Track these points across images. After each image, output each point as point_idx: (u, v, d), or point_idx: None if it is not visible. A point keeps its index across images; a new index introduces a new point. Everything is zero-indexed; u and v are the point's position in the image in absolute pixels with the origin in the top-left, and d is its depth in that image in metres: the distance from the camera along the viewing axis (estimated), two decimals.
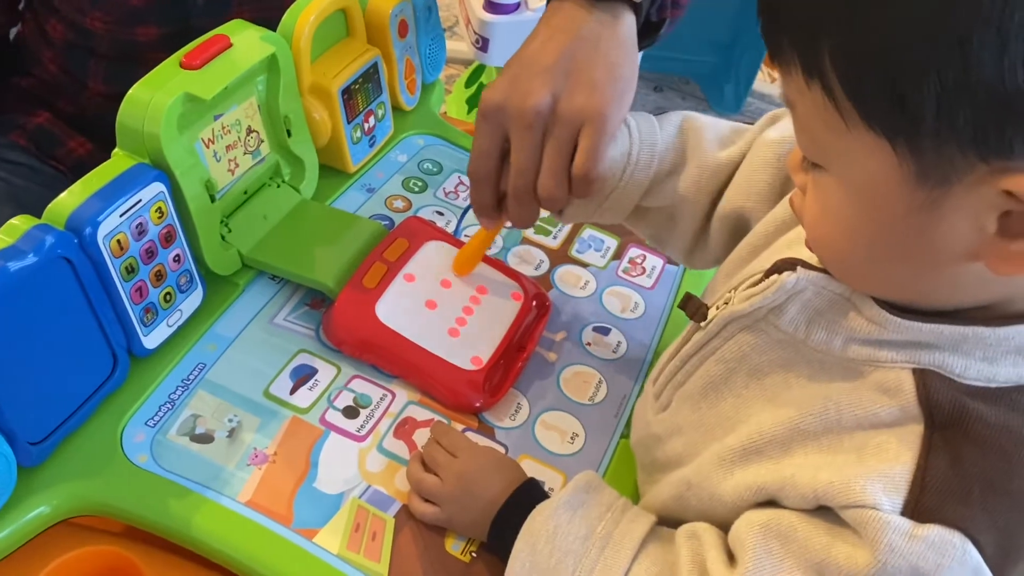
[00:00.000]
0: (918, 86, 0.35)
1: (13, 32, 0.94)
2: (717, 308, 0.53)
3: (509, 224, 0.65)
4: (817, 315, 0.47)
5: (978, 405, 0.42)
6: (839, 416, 0.45)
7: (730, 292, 0.53)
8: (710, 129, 0.63)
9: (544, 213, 0.64)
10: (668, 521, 0.54)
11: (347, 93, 0.77)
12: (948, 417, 0.42)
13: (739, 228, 0.61)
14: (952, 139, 0.36)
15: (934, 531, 0.40)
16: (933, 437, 0.42)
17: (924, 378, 0.43)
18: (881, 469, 0.42)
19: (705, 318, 0.54)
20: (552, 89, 0.58)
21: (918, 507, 0.41)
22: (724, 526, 0.50)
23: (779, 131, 0.61)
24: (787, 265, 0.48)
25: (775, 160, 0.59)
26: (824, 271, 0.46)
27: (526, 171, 0.60)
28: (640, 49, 0.65)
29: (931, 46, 0.34)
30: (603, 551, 0.50)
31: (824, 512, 0.44)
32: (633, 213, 0.66)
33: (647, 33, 0.67)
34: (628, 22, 0.62)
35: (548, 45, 0.60)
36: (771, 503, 0.47)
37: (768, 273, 0.49)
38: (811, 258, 0.48)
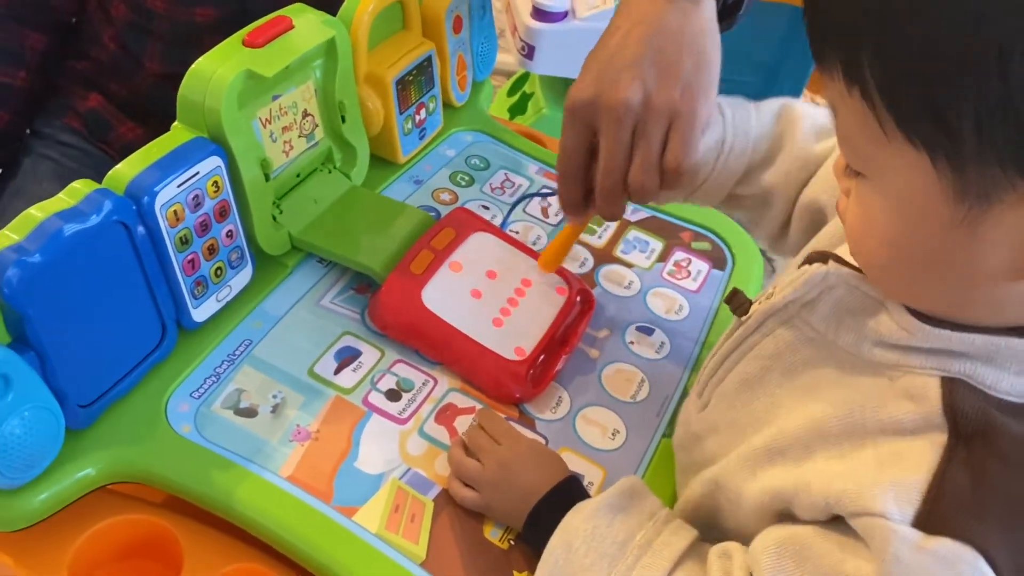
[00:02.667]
0: (957, 102, 0.34)
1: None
2: (759, 303, 0.53)
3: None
4: (848, 315, 0.46)
5: (1007, 420, 0.40)
6: (863, 419, 0.44)
7: (773, 288, 0.53)
8: (808, 119, 0.63)
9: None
10: (701, 521, 0.53)
11: (401, 84, 0.77)
12: (973, 428, 0.40)
13: (816, 220, 0.60)
14: (993, 158, 0.35)
15: (944, 544, 0.38)
16: (956, 448, 0.40)
17: (952, 386, 0.41)
18: (896, 478, 0.40)
19: (747, 312, 0.54)
20: (642, 82, 0.57)
21: (930, 518, 0.39)
22: (749, 529, 0.49)
23: None
24: (819, 257, 0.47)
25: None
26: (859, 269, 0.46)
27: (617, 167, 0.59)
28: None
29: (970, 60, 0.33)
30: (640, 559, 0.49)
31: (837, 524, 0.43)
32: (727, 199, 0.65)
33: (724, 16, 0.66)
34: (709, 6, 0.61)
35: (630, 37, 0.58)
36: (787, 516, 0.46)
37: (800, 265, 0.49)
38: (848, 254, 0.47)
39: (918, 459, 0.41)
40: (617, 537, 0.50)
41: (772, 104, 0.64)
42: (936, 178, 0.37)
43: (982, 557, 0.38)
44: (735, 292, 0.56)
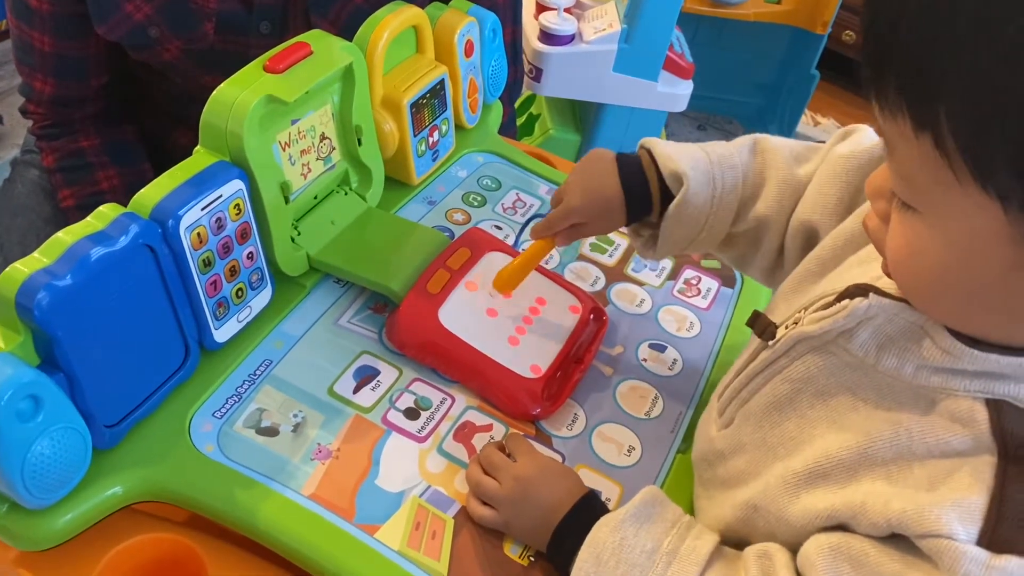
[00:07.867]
0: None
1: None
2: (786, 327, 0.53)
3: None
4: (889, 341, 0.46)
5: None
6: (910, 443, 0.44)
7: (800, 312, 0.52)
8: (785, 148, 0.64)
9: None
10: (731, 541, 0.53)
11: (415, 107, 0.79)
12: (1021, 448, 0.41)
13: (809, 241, 0.61)
14: None
15: (1012, 562, 0.40)
16: (1008, 468, 0.41)
17: (998, 409, 0.42)
18: (955, 498, 0.41)
19: (773, 336, 0.54)
20: None
21: (994, 537, 0.40)
22: (790, 547, 0.49)
23: (849, 146, 0.61)
24: (859, 291, 0.47)
25: (844, 175, 0.59)
26: (899, 299, 0.46)
27: None
28: None
29: None
30: (669, 566, 0.50)
31: (897, 540, 0.43)
32: (723, 241, 0.66)
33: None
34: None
35: None
36: (840, 527, 0.46)
37: (840, 297, 0.48)
38: (885, 284, 0.47)
39: (971, 479, 0.41)
40: (645, 547, 0.51)
41: (744, 140, 0.65)
42: (1005, 222, 0.36)
43: None
44: (757, 315, 0.56)
